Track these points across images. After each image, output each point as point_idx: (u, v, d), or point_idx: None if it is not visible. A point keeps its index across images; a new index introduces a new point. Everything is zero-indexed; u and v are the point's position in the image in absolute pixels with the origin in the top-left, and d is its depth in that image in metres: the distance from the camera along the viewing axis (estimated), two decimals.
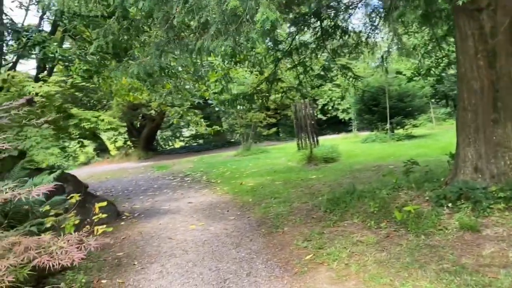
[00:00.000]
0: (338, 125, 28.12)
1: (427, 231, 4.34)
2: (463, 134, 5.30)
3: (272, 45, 6.99)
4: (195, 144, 29.63)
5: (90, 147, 27.78)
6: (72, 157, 26.45)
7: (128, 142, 26.93)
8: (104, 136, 29.55)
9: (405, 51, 10.14)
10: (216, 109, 20.73)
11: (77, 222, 4.10)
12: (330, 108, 28.07)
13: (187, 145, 30.26)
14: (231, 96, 6.94)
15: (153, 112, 19.30)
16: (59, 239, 3.06)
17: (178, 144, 31.46)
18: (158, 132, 30.26)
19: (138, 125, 25.16)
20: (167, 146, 31.08)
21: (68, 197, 4.86)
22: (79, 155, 27.07)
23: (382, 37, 9.56)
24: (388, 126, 17.14)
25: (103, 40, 4.48)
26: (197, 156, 20.91)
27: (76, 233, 3.24)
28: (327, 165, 11.42)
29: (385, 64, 9.21)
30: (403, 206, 5.08)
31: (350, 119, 25.95)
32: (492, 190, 4.63)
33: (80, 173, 18.49)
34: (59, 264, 2.82)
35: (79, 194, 4.52)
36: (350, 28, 8.46)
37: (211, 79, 11.00)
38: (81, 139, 9.71)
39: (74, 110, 6.65)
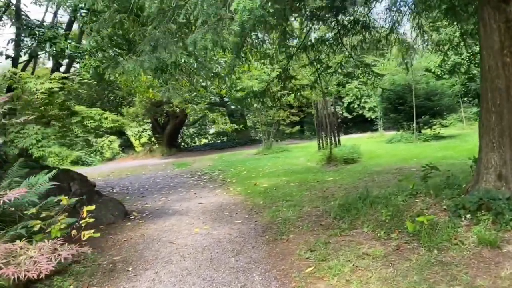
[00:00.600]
0: (364, 124, 27.38)
1: (441, 245, 3.93)
2: (486, 138, 4.83)
3: (283, 40, 6.62)
4: (219, 141, 29.55)
5: (115, 143, 28.17)
6: (99, 153, 26.93)
7: (152, 139, 27.12)
8: (129, 132, 29.96)
9: (430, 47, 9.62)
10: (232, 106, 20.52)
11: (63, 226, 3.90)
12: (356, 106, 27.36)
13: (210, 142, 30.22)
14: (241, 95, 6.63)
15: (175, 109, 19.27)
16: (30, 248, 2.86)
17: (203, 141, 31.50)
18: (184, 129, 30.38)
19: (162, 122, 25.24)
20: (193, 143, 31.14)
21: (63, 198, 4.71)
22: (106, 151, 27.53)
23: (405, 33, 9.03)
24: (414, 125, 16.46)
25: (97, 36, 4.27)
26: (219, 153, 20.78)
27: (49, 241, 3.03)
28: (347, 167, 11.00)
29: (408, 61, 8.71)
30: (417, 215, 4.67)
31: (376, 118, 25.22)
32: None
33: (104, 169, 18.75)
34: (25, 276, 2.62)
35: (66, 197, 4.32)
36: (372, 23, 8.06)
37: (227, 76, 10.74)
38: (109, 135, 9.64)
39: (79, 108, 6.54)
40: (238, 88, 15.19)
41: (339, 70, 8.07)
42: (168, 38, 3.83)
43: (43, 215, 4.26)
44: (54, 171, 4.91)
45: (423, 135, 16.68)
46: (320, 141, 14.84)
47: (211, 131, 32.01)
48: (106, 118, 6.46)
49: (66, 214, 4.28)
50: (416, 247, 4.07)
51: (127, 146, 27.96)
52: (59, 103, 5.88)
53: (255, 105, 10.39)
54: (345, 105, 28.01)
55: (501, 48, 4.54)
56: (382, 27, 8.32)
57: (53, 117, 5.85)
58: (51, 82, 5.46)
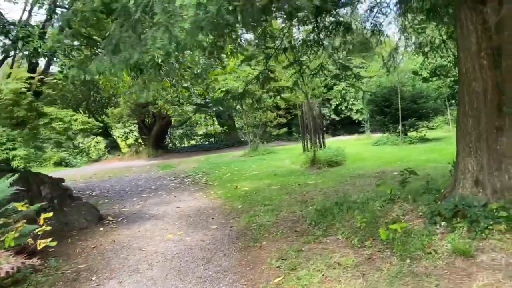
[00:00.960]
0: (352, 126, 27.33)
1: (414, 254, 3.78)
2: (463, 142, 4.71)
3: (263, 41, 6.46)
4: (207, 143, 29.29)
5: (101, 144, 27.82)
6: (86, 154, 26.56)
7: (139, 140, 26.81)
8: (115, 133, 29.62)
9: (413, 49, 9.54)
10: (220, 108, 20.34)
11: (17, 235, 3.69)
12: (343, 108, 27.33)
13: (197, 143, 29.96)
14: (217, 96, 6.45)
15: (160, 110, 18.99)
16: None
17: (191, 143, 31.17)
18: (172, 130, 30.09)
19: (149, 123, 24.93)
20: (182, 145, 30.83)
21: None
22: (92, 152, 27.17)
23: (388, 35, 8.92)
24: (400, 128, 16.40)
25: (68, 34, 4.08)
26: (206, 155, 20.56)
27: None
28: (330, 169, 10.86)
29: (389, 63, 8.61)
30: (393, 222, 4.53)
31: (363, 120, 25.20)
32: (493, 208, 4.04)
33: (88, 170, 18.41)
34: None
35: (24, 203, 4.09)
36: (355, 24, 7.94)
37: (211, 77, 10.57)
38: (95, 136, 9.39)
39: (48, 109, 6.30)
40: (224, 89, 15.01)
41: (320, 72, 7.94)
42: (130, 37, 3.65)
43: (0, 222, 4.04)
44: (17, 175, 4.68)
45: (409, 137, 16.63)
46: (305, 144, 14.68)
47: (200, 132, 31.76)
48: (76, 120, 6.24)
49: (25, 221, 4.06)
50: (389, 255, 3.92)
51: (113, 147, 27.57)
52: (27, 103, 5.65)
53: (238, 106, 10.21)
54: (333, 107, 27.96)
55: (478, 50, 4.41)
56: (364, 28, 8.23)
57: (21, 118, 5.62)
58: (17, 83, 5.24)
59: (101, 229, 6.62)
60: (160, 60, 5.84)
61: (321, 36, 7.56)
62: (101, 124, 22.56)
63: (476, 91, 4.47)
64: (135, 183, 12.65)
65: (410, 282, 3.32)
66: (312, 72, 7.80)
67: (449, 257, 3.65)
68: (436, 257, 3.67)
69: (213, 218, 6.69)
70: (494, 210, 4.00)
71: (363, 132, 24.18)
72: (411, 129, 17.01)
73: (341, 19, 7.59)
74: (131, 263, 4.76)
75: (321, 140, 14.48)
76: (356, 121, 26.66)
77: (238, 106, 10.03)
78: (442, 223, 4.21)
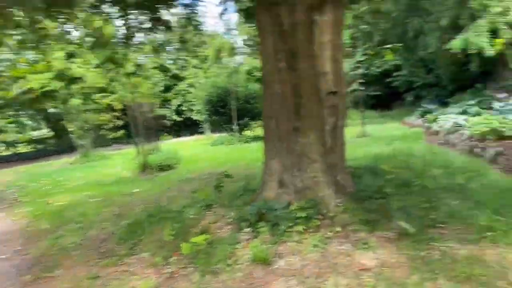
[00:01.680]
0: (194, 127, 27.33)
1: (215, 267, 3.54)
2: (268, 143, 4.73)
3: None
4: (33, 149, 25.83)
5: None
6: None
7: None
8: None
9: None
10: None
11: None
12: (185, 108, 27.12)
13: (20, 152, 26.19)
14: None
15: None
16: None
17: (21, 149, 26.92)
18: None
19: None
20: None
21: None
22: None
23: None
24: (234, 128, 16.79)
25: None
26: (30, 164, 18.07)
27: None
28: (161, 174, 10.39)
29: (214, 63, 8.54)
30: (202, 232, 4.28)
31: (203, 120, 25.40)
32: (293, 209, 4.08)
33: None
34: None
35: None
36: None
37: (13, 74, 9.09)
38: None
39: None
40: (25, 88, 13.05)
41: (139, 72, 7.41)
42: None
43: None
44: None
45: (244, 136, 17.16)
46: (139, 148, 13.88)
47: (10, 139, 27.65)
48: None
49: None
50: (192, 271, 3.61)
51: None
52: None
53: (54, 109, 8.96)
54: (174, 107, 27.54)
55: (275, 53, 4.43)
56: (184, 26, 7.96)
57: None
58: None
59: None
60: None
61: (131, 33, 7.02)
62: None
63: (276, 93, 4.49)
64: None
65: None
66: (128, 72, 7.18)
67: (248, 266, 3.50)
68: (236, 268, 3.49)
69: (5, 246, 5.58)
70: (294, 211, 4.03)
71: (202, 132, 24.29)
72: (245, 129, 17.58)
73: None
74: None
75: (156, 143, 13.86)
76: (197, 122, 26.72)
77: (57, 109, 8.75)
78: (248, 229, 4.10)
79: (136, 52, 7.22)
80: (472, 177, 5.38)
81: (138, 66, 7.30)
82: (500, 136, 7.79)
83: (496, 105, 10.86)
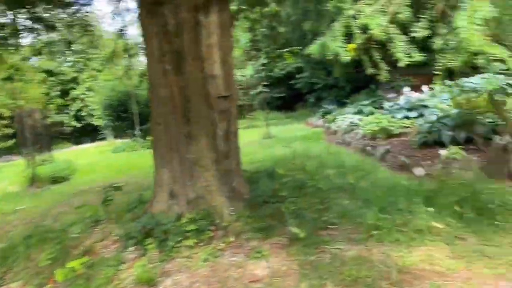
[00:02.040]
0: (95, 133, 25.73)
1: None
2: (158, 152, 4.42)
3: None
4: None
5: None
6: None
7: None
8: None
9: None
10: None
11: None
12: (85, 114, 25.43)
13: None
14: None
15: None
16: None
17: None
18: None
19: None
20: None
21: None
22: None
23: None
24: (137, 133, 16.05)
25: None
26: None
27: None
28: (53, 187, 9.48)
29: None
30: (84, 253, 3.84)
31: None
32: (183, 222, 3.82)
33: None
34: None
35: None
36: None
37: None
38: None
39: None
40: None
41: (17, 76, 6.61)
42: None
43: None
44: None
45: (148, 142, 16.46)
46: (27, 159, 12.59)
47: None
48: None
49: None
50: None
51: None
52: None
53: None
54: (73, 113, 25.70)
55: (161, 54, 4.14)
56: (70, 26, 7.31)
57: None
58: None
59: None
60: None
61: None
62: None
63: (163, 96, 4.20)
64: None
65: None
66: (4, 76, 6.38)
67: None
68: None
69: None
70: (184, 224, 3.77)
71: (104, 139, 22.97)
72: (149, 134, 16.89)
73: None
74: None
75: (48, 153, 12.71)
76: (98, 128, 25.22)
77: None
78: (134, 247, 3.74)
79: (12, 54, 6.37)
80: (363, 176, 5.56)
81: (17, 70, 6.48)
82: (388, 135, 8.30)
83: (386, 104, 11.61)
